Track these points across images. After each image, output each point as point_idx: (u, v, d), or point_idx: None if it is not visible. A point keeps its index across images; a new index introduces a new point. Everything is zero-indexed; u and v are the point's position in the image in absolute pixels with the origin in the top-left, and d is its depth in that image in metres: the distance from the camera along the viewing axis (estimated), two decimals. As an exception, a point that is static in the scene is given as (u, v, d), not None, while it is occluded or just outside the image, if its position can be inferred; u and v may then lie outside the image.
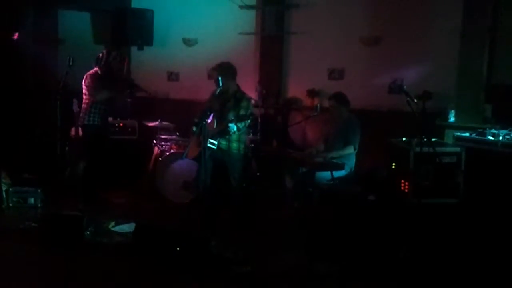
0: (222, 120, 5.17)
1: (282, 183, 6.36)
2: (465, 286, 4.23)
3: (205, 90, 5.57)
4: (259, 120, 7.07)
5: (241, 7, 7.66)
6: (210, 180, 5.14)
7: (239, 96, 5.28)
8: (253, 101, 6.08)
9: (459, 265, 4.44)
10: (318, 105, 6.53)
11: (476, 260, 4.51)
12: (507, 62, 5.98)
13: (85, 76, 6.18)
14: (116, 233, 5.19)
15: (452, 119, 6.15)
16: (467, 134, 5.53)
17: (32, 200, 6.04)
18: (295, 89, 7.61)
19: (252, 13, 7.75)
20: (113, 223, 5.37)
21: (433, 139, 5.22)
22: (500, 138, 5.20)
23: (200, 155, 4.92)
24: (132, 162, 7.17)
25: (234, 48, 7.53)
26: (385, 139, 5.84)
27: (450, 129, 6.00)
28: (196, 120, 5.27)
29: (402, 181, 5.34)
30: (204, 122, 4.46)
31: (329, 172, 5.62)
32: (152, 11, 8.09)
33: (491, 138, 5.28)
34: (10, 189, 6.06)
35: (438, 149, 5.15)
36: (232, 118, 5.04)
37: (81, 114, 6.24)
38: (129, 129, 7.51)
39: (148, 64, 8.49)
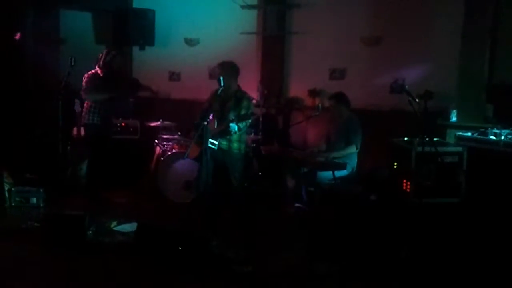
0: (222, 120, 5.17)
1: (283, 183, 6.36)
2: (467, 286, 4.23)
3: (206, 90, 5.56)
4: (261, 120, 7.07)
5: (242, 7, 7.67)
6: (211, 180, 5.14)
7: (240, 96, 5.27)
8: (254, 101, 6.08)
9: (461, 265, 4.43)
10: (320, 105, 6.53)
11: (478, 260, 4.50)
12: (508, 62, 5.98)
13: (84, 76, 6.19)
14: (118, 233, 5.20)
15: (453, 118, 6.15)
16: (469, 133, 5.53)
17: (34, 200, 6.06)
18: (297, 89, 7.61)
19: (253, 13, 7.75)
20: (115, 223, 5.38)
21: (434, 139, 5.23)
22: (502, 137, 5.20)
23: (201, 155, 4.93)
24: (134, 161, 7.18)
25: (236, 48, 7.53)
26: (386, 138, 5.83)
27: (452, 128, 6.00)
28: (196, 122, 5.26)
29: (404, 180, 5.34)
30: (206, 122, 4.46)
31: (331, 172, 5.63)
32: (153, 11, 8.10)
33: (493, 137, 5.28)
34: (13, 189, 6.07)
35: (440, 148, 5.15)
36: (233, 117, 5.03)
37: (82, 114, 6.27)
38: (131, 129, 7.52)
39: (149, 64, 8.50)
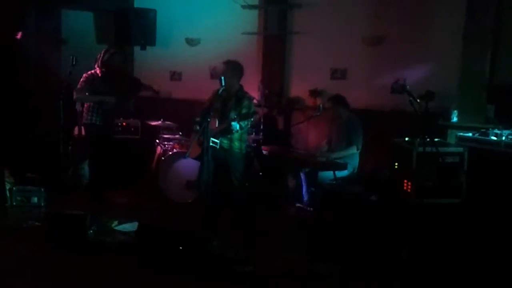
0: (224, 119, 5.17)
1: (285, 183, 6.37)
2: (468, 286, 4.23)
3: (207, 89, 5.56)
4: (262, 119, 7.07)
5: (243, 7, 7.67)
6: (212, 180, 5.14)
7: (241, 95, 5.27)
8: (255, 101, 6.08)
9: (462, 265, 4.43)
10: (321, 105, 6.53)
11: (479, 260, 4.50)
12: (509, 62, 5.98)
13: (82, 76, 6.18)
14: (119, 232, 5.20)
15: (455, 119, 6.15)
16: (470, 134, 5.53)
17: (35, 199, 6.06)
18: (298, 89, 7.61)
19: (254, 13, 7.76)
20: (116, 222, 5.39)
21: (435, 139, 5.22)
22: (503, 138, 5.20)
23: (202, 155, 4.94)
24: (135, 161, 7.18)
25: (237, 48, 7.53)
26: (387, 139, 5.83)
27: (453, 129, 6.00)
28: (197, 119, 5.27)
29: (405, 181, 5.34)
30: (207, 121, 4.46)
31: (332, 172, 5.63)
32: (155, 11, 8.11)
33: (494, 138, 5.27)
34: (14, 188, 6.08)
35: (441, 149, 5.15)
36: (235, 116, 5.03)
37: (83, 114, 6.26)
38: (132, 129, 7.54)
39: (151, 64, 8.50)
